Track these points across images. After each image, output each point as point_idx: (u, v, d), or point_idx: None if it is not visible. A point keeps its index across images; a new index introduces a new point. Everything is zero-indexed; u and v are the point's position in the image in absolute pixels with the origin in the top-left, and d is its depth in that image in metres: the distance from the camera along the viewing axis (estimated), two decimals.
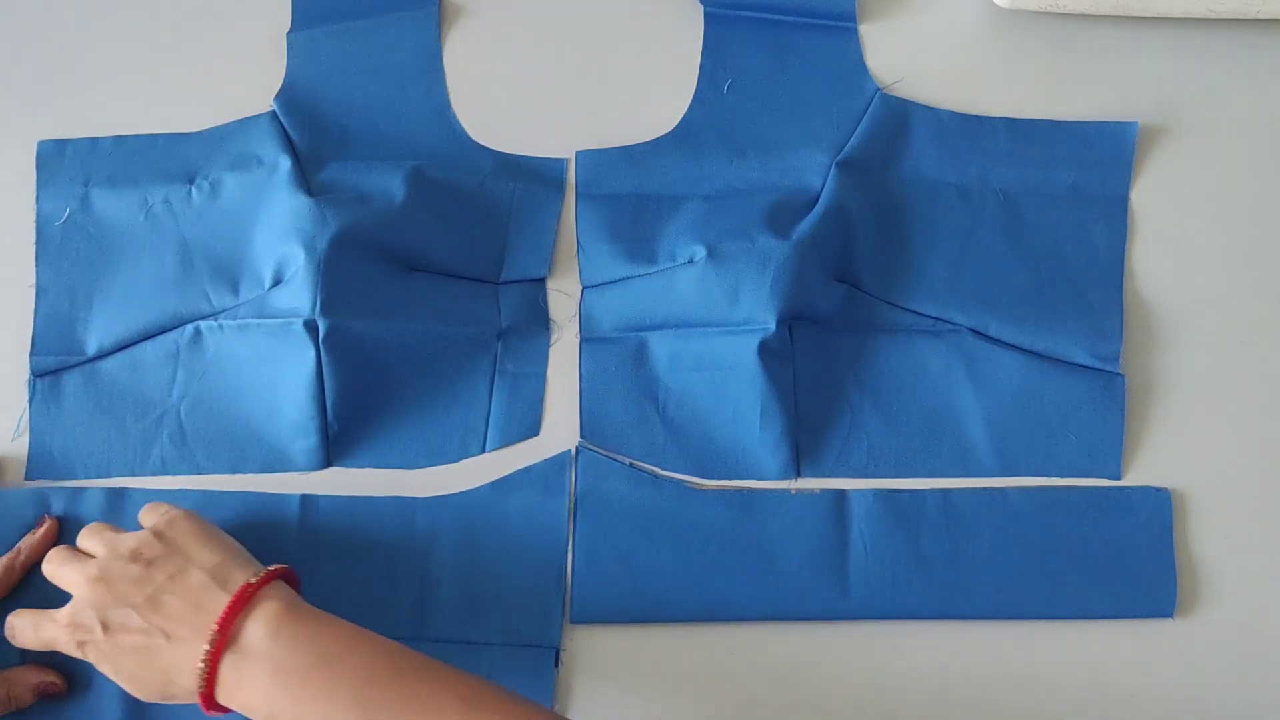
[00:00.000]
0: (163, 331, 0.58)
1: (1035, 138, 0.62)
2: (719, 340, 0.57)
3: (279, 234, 0.57)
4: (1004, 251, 0.60)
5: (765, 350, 0.56)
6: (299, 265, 0.55)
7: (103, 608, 0.47)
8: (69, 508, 0.56)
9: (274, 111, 0.62)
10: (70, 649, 0.48)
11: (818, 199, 0.59)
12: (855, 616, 0.55)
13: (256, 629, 0.46)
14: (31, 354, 0.58)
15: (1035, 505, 0.57)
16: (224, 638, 0.45)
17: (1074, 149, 0.62)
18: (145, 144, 0.62)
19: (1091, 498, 0.57)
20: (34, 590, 0.54)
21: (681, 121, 0.63)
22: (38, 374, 0.58)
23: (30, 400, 0.58)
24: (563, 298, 0.60)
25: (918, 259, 0.60)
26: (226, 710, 0.46)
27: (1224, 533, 0.57)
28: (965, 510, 0.57)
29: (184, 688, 0.46)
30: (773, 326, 0.55)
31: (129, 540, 0.49)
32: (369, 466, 0.57)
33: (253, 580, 0.47)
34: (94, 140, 0.62)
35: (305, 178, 0.59)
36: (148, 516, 0.51)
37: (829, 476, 0.57)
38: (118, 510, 0.56)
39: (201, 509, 0.53)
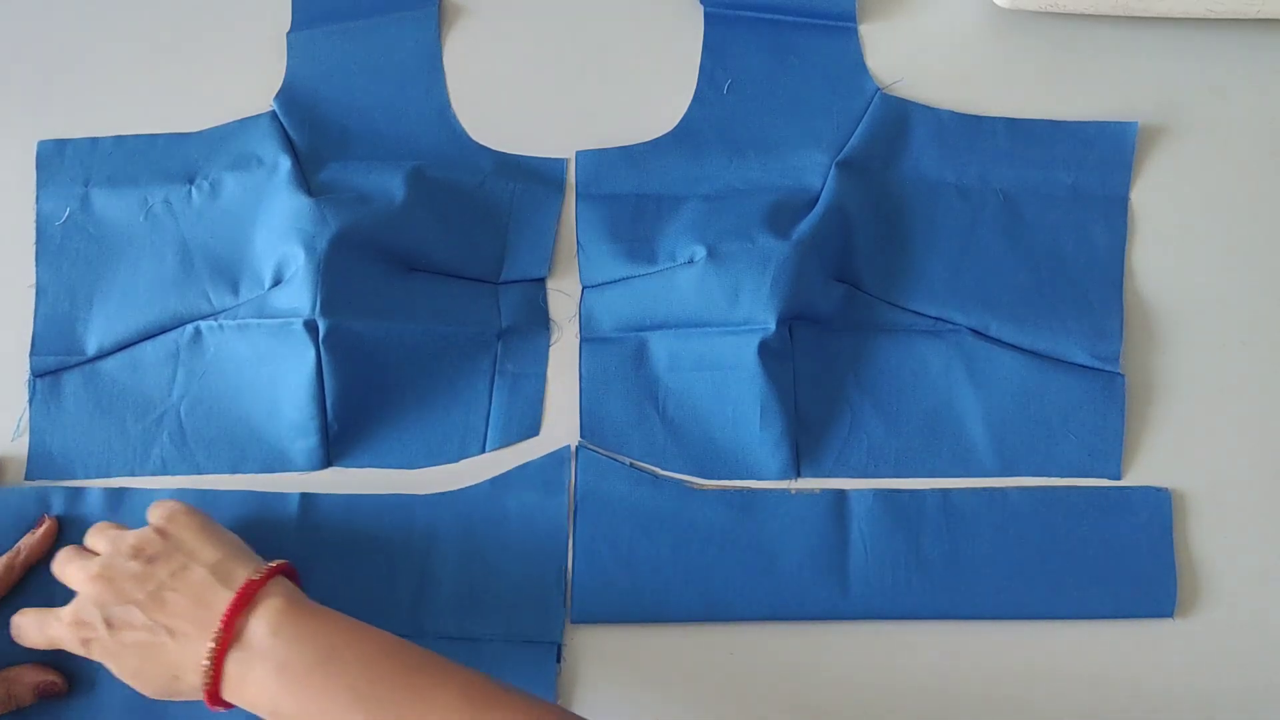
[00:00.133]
0: (163, 331, 0.58)
1: (1035, 138, 0.62)
2: (719, 340, 0.57)
3: (279, 234, 0.57)
4: (1004, 251, 0.60)
5: (765, 350, 0.56)
6: (299, 265, 0.55)
7: (105, 605, 0.47)
8: (69, 508, 0.56)
9: (274, 111, 0.62)
10: (75, 647, 0.48)
11: (818, 199, 0.59)
12: (855, 616, 0.55)
13: (260, 626, 0.46)
14: (31, 354, 0.58)
15: (1035, 505, 0.57)
16: (228, 635, 0.45)
17: (1074, 149, 0.62)
18: (145, 144, 0.62)
19: (1091, 498, 0.57)
20: (34, 590, 0.54)
21: (681, 121, 0.63)
22: (38, 374, 0.58)
23: (30, 400, 0.58)
24: (563, 298, 0.60)
25: (918, 259, 0.60)
26: (230, 706, 0.46)
27: (1224, 533, 0.57)
28: (965, 510, 0.57)
29: (189, 684, 0.46)
30: (773, 326, 0.55)
31: (130, 537, 0.49)
32: (369, 466, 0.57)
33: (255, 577, 0.47)
34: (94, 140, 0.62)
35: (305, 178, 0.59)
36: (152, 513, 0.51)
37: (829, 476, 0.57)
38: (118, 510, 0.56)
39: (201, 508, 0.53)
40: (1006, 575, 0.56)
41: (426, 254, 0.59)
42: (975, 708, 0.55)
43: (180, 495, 0.56)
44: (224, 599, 0.46)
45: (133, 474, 0.57)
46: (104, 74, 0.64)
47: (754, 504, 0.56)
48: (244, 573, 0.48)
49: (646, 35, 0.65)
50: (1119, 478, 0.58)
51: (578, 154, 0.62)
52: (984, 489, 0.57)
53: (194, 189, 0.60)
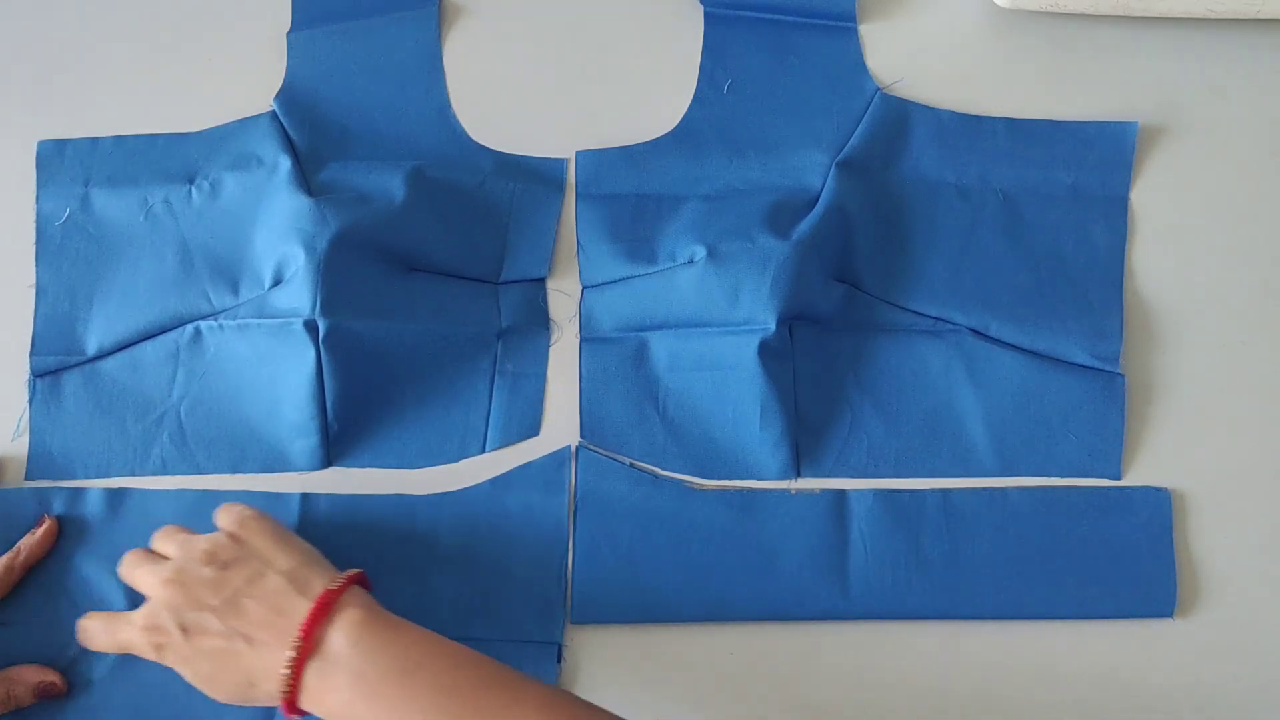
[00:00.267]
0: (163, 331, 0.58)
1: (1035, 138, 0.62)
2: (719, 340, 0.57)
3: (279, 234, 0.57)
4: (1004, 251, 0.60)
5: (765, 350, 0.56)
6: (299, 265, 0.55)
7: (179, 610, 0.47)
8: (69, 508, 0.56)
9: (274, 111, 0.62)
10: (146, 652, 0.48)
11: (818, 199, 0.59)
12: (855, 616, 0.55)
13: (339, 637, 0.45)
14: (31, 354, 0.58)
15: (1035, 505, 0.57)
16: (308, 645, 0.45)
17: (1074, 149, 0.62)
18: (145, 144, 0.62)
19: (1091, 498, 0.57)
20: (34, 590, 0.54)
21: (681, 121, 0.63)
22: (38, 374, 0.58)
23: (30, 400, 0.58)
24: (563, 298, 0.60)
25: (918, 259, 0.60)
26: (305, 714, 0.46)
27: (1224, 533, 0.57)
28: (965, 510, 0.57)
29: (265, 691, 0.46)
30: (773, 326, 0.55)
31: (202, 542, 0.49)
32: (369, 466, 0.57)
33: (332, 586, 0.47)
34: (94, 140, 0.62)
35: (305, 178, 0.59)
36: (221, 517, 0.51)
37: (829, 476, 0.57)
38: (118, 510, 0.56)
39: (202, 509, 0.53)
40: (1006, 575, 0.56)
41: (426, 254, 0.59)
42: (975, 708, 0.55)
43: (180, 495, 0.56)
44: (302, 608, 0.46)
45: (133, 474, 0.57)
46: (104, 74, 0.64)
47: (754, 504, 0.56)
48: (321, 582, 0.47)
49: (646, 35, 0.65)
50: (1119, 478, 0.58)
51: (578, 154, 0.62)
52: (984, 489, 0.57)
53: (194, 189, 0.60)
